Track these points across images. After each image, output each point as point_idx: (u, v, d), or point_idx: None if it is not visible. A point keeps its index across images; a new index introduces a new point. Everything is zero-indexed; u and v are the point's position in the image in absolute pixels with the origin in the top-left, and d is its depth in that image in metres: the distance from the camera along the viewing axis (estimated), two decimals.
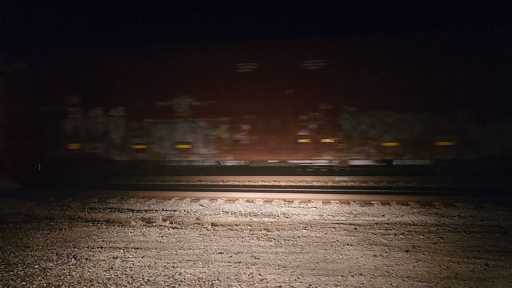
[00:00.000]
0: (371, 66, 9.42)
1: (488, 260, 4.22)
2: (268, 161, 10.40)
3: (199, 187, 9.63)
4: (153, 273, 3.95)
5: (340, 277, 3.82)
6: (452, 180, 9.56)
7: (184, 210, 7.04)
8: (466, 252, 4.53)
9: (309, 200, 7.60)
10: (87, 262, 4.31)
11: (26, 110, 10.69)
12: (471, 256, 4.36)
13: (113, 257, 4.44)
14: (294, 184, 10.03)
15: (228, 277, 3.83)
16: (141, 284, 3.70)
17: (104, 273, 3.99)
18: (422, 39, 9.36)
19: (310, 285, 3.64)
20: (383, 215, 6.41)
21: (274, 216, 6.49)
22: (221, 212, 6.82)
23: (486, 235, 5.18)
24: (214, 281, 3.74)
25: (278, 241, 4.99)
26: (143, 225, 5.82)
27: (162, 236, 5.28)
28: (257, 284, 3.67)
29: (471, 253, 4.49)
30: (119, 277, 3.87)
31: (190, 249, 4.73)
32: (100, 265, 4.22)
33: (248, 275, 3.88)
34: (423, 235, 5.20)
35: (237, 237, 5.21)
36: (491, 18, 15.89)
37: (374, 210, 6.77)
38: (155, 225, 5.82)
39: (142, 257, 4.43)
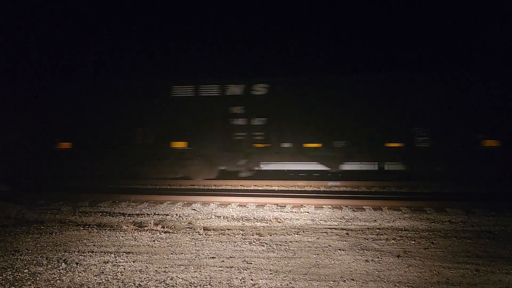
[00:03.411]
0: None
1: (478, 266, 4.26)
2: None
3: (192, 191, 9.59)
4: (145, 278, 3.93)
5: (332, 282, 3.83)
6: (443, 185, 9.65)
7: (176, 214, 7.01)
8: (457, 257, 4.57)
9: (302, 205, 7.62)
10: (78, 266, 4.27)
11: None
12: (461, 262, 4.40)
13: (104, 262, 4.40)
14: (287, 188, 10.05)
15: (220, 282, 3.82)
16: None
17: (95, 277, 3.95)
18: None
19: None
20: (375, 220, 6.45)
21: (267, 220, 6.49)
22: (213, 217, 6.81)
23: (477, 241, 5.24)
24: (206, 286, 3.73)
25: (270, 246, 4.99)
26: (135, 229, 5.78)
27: (154, 241, 5.25)
28: None
29: (462, 258, 4.53)
30: (110, 282, 3.84)
31: (182, 253, 4.71)
32: (91, 269, 4.18)
33: (240, 280, 3.87)
34: (414, 240, 5.23)
35: (229, 241, 5.20)
36: None
37: (366, 215, 6.80)
38: (147, 229, 5.78)
39: (133, 262, 4.40)
